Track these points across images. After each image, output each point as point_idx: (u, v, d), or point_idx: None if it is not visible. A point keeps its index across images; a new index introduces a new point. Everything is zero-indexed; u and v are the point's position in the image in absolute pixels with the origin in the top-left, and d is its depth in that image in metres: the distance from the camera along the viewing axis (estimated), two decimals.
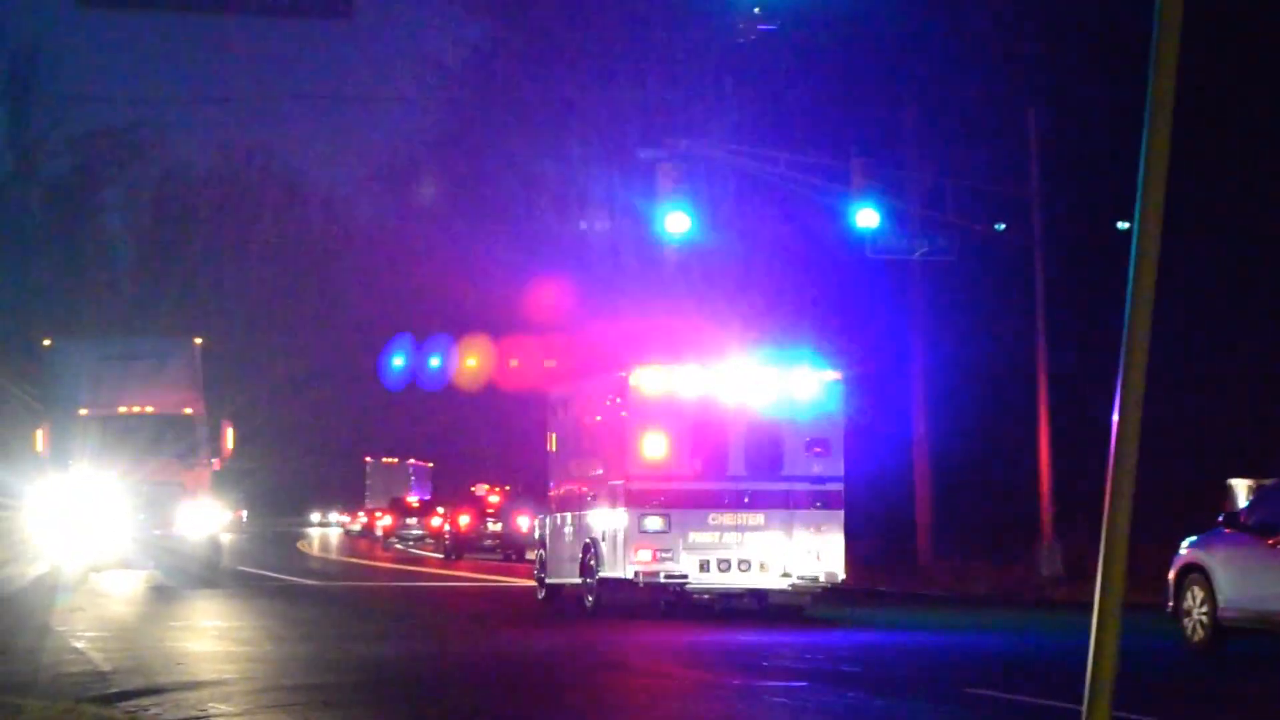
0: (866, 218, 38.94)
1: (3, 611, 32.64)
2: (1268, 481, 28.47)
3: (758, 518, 29.71)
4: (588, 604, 31.24)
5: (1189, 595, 24.49)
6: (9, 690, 18.63)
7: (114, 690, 18.86)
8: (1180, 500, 35.99)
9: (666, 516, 29.57)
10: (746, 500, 29.78)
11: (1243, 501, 31.50)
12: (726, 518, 29.73)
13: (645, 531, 29.51)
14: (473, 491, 68.41)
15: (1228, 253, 45.19)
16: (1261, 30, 44.21)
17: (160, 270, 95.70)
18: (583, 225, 70.97)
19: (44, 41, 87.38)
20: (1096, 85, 45.44)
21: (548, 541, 34.45)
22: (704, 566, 29.49)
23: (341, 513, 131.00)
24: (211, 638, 25.94)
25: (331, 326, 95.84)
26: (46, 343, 46.22)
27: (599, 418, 32.12)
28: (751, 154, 43.64)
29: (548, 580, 34.35)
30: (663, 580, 29.55)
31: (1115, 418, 7.35)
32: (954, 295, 48.34)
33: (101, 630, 26.99)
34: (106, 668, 21.23)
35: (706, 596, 30.70)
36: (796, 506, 29.87)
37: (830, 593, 30.86)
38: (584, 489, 32.35)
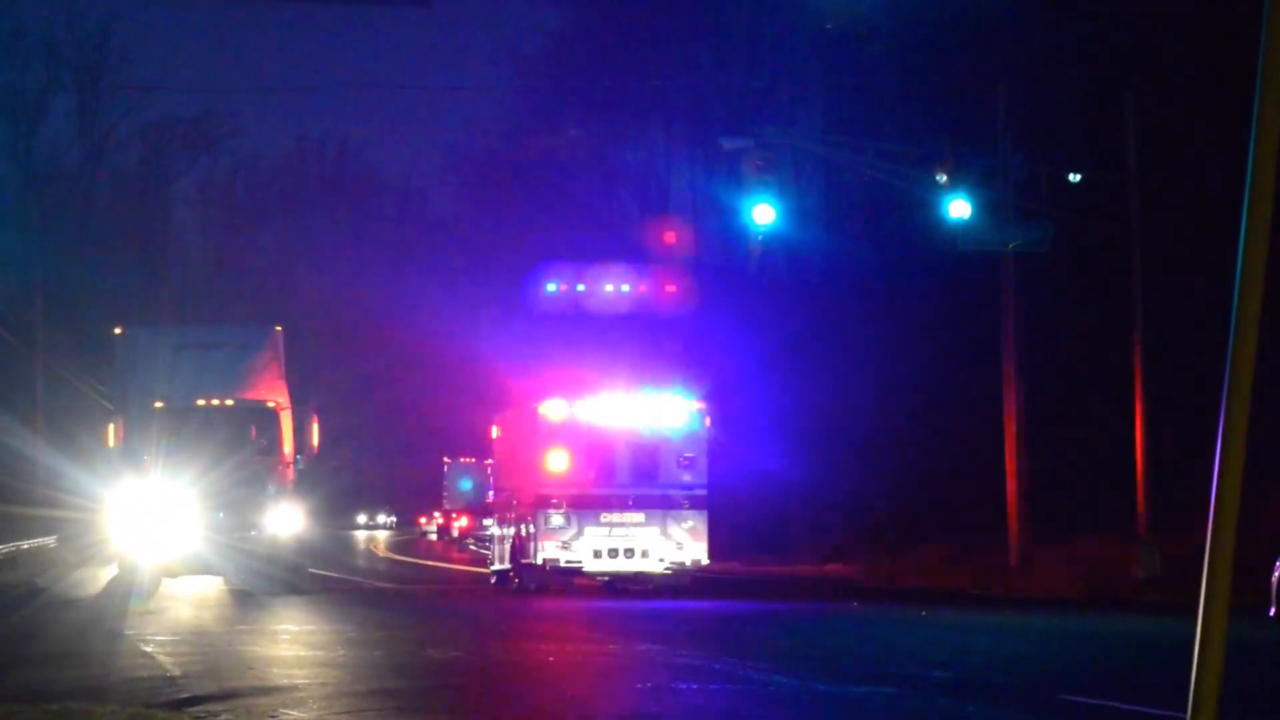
0: (958, 209, 38.19)
1: (74, 615, 32.48)
2: None
3: (639, 516, 38.11)
4: (514, 585, 40.52)
5: None
6: (79, 695, 18.33)
7: (184, 695, 18.48)
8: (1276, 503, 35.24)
9: (567, 516, 38.17)
10: (630, 503, 38.22)
11: None
12: (615, 516, 38.15)
13: (551, 528, 38.13)
14: None
15: None
16: None
17: (231, 262, 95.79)
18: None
19: (114, 31, 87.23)
20: (1195, 70, 44.59)
21: (493, 537, 44.10)
22: (597, 555, 38.09)
23: (389, 514, 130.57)
24: (283, 642, 25.48)
25: (407, 320, 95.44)
26: (118, 331, 43.21)
27: (519, 439, 41.29)
28: (839, 143, 43.00)
29: (494, 567, 43.36)
30: (564, 566, 38.33)
31: (1222, 414, 6.86)
32: (1048, 287, 47.55)
33: (171, 635, 26.68)
34: (176, 672, 20.87)
35: (606, 578, 39.37)
36: (670, 508, 38.28)
37: (922, 597, 31.13)
38: (511, 496, 41.53)
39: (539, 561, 38.38)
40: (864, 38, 50.63)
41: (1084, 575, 41.42)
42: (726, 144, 39.78)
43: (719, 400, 49.01)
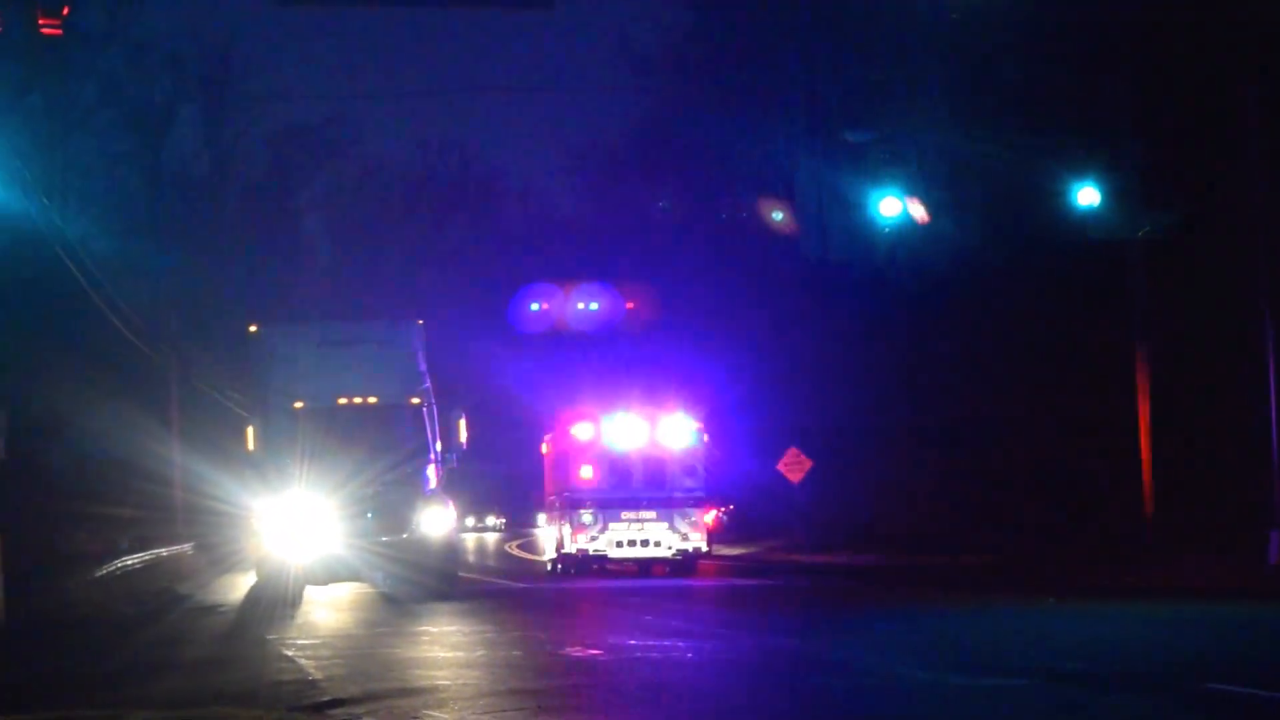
0: (1087, 196, 37.87)
1: (216, 621, 32.77)
2: None
3: (651, 514, 47.20)
4: (557, 569, 49.95)
5: None
6: (223, 700, 18.54)
7: (325, 699, 18.62)
8: None
9: (594, 515, 47.28)
10: (644, 503, 47.25)
11: None
12: (632, 514, 47.20)
13: (582, 524, 47.26)
14: None
15: None
16: None
17: (357, 268, 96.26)
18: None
19: (238, 40, 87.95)
20: None
21: (546, 532, 53.13)
22: (619, 545, 47.14)
23: (498, 516, 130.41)
24: (423, 644, 25.57)
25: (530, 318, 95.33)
26: (253, 330, 41.09)
27: (559, 454, 50.22)
28: (963, 134, 42.75)
29: (547, 557, 52.39)
30: (592, 554, 47.35)
31: None
32: (1175, 273, 47.07)
33: (312, 638, 26.84)
34: (318, 676, 21.01)
35: (627, 563, 47.96)
36: (674, 507, 47.34)
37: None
38: (555, 500, 50.49)
39: (574, 551, 47.54)
40: (985, 25, 50.28)
41: (1217, 563, 40.94)
42: (851, 137, 39.67)
43: (728, 417, 64.06)
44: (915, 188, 38.21)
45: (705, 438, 49.50)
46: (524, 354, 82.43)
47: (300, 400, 37.48)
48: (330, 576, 36.92)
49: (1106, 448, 49.80)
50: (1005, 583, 39.35)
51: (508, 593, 41.58)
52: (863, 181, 38.37)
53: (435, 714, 17.21)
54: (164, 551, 50.04)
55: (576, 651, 23.61)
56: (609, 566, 48.17)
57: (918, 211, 37.71)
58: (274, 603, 34.11)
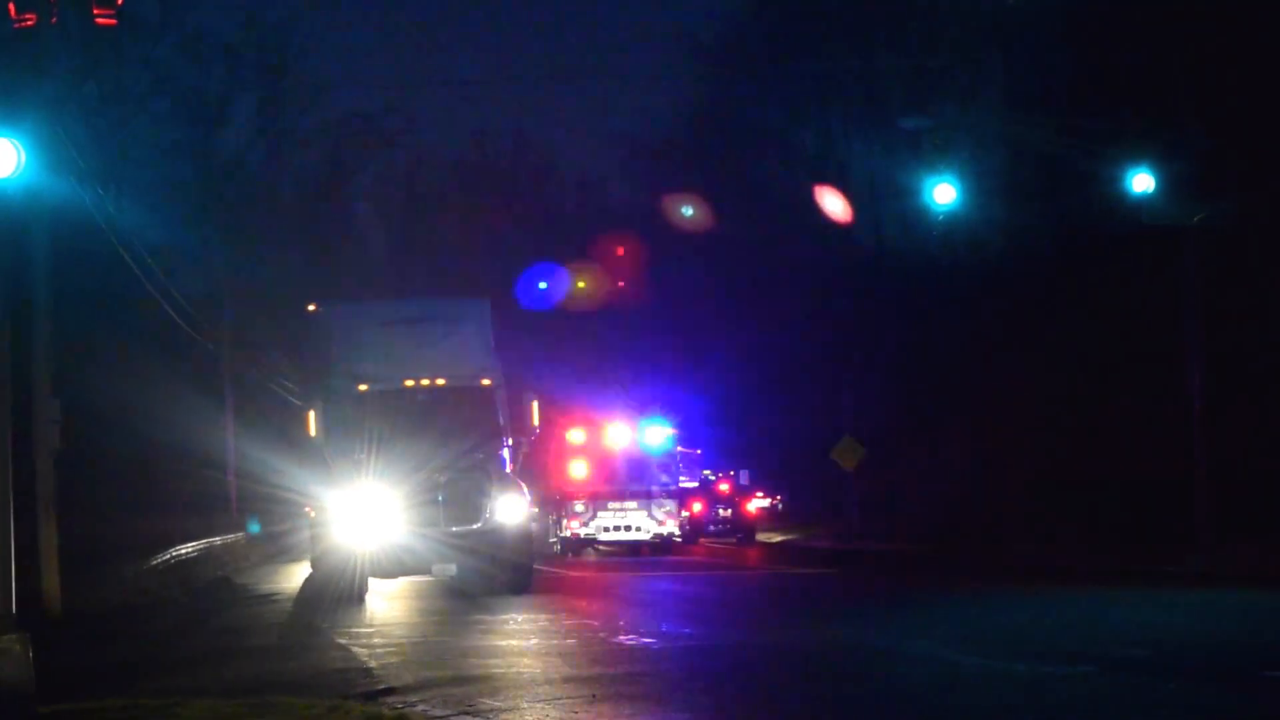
0: (1142, 183, 37.64)
1: (271, 610, 32.88)
2: None
3: (633, 504, 54.89)
4: (556, 550, 55.36)
5: None
6: (279, 688, 18.59)
7: (380, 687, 18.68)
8: None
9: (585, 504, 54.77)
10: (627, 495, 54.96)
11: None
12: (616, 504, 54.78)
13: (575, 513, 54.70)
14: (705, 477, 71.06)
15: None
16: None
17: (412, 256, 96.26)
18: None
19: (292, 30, 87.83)
20: None
21: (546, 519, 55.99)
22: (606, 530, 54.69)
23: None
24: (478, 632, 25.56)
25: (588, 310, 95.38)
26: (312, 309, 39.16)
27: (556, 454, 55.65)
28: (1018, 121, 42.52)
29: (550, 539, 55.97)
30: (583, 537, 54.82)
31: None
32: (1231, 262, 46.77)
33: (367, 627, 26.91)
34: (373, 664, 21.07)
35: (612, 546, 55.75)
36: (652, 498, 55.18)
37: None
38: (554, 493, 55.92)
39: (568, 535, 54.85)
40: (1041, 11, 50.04)
41: (1272, 551, 40.65)
42: (906, 124, 39.46)
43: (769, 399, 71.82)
44: (968, 175, 38.01)
45: (677, 444, 59.48)
46: (531, 332, 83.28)
47: (365, 382, 35.10)
48: (398, 569, 34.13)
49: (1159, 435, 49.52)
50: (1056, 571, 39.18)
51: (541, 577, 41.71)
52: (917, 168, 38.20)
53: (489, 702, 17.22)
54: (218, 540, 50.22)
55: (630, 639, 23.60)
56: (599, 547, 56.44)
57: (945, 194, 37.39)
58: (338, 596, 32.36)
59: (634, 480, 55.54)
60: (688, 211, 79.06)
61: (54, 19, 17.85)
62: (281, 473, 43.20)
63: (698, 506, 68.25)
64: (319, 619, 28.06)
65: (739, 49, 74.43)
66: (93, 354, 48.47)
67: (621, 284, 78.89)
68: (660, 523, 55.06)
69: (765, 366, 75.90)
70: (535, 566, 36.53)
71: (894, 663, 20.35)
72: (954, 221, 39.64)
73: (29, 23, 17.75)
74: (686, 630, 25.39)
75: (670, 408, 62.79)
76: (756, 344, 76.04)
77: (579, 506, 54.85)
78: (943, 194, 36.74)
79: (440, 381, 35.33)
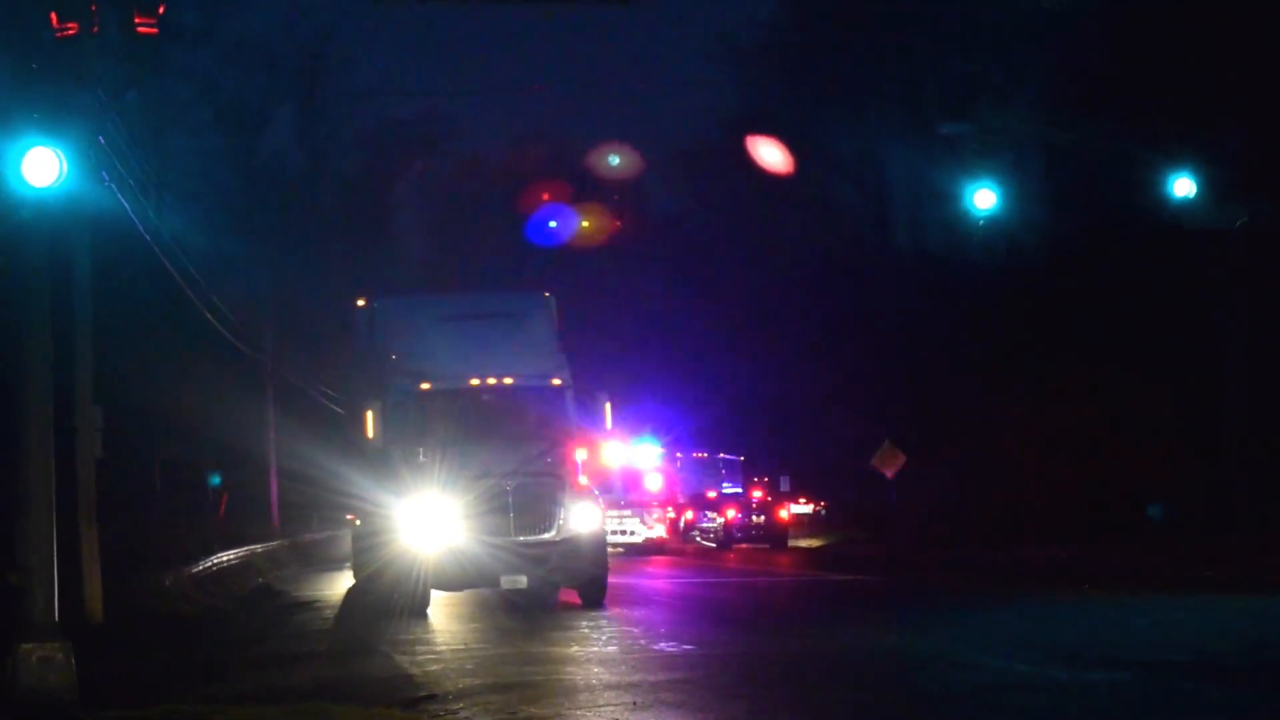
0: (1183, 187, 37.47)
1: (313, 617, 32.93)
2: None
3: (629, 512, 62.26)
4: None
5: None
6: (320, 695, 18.63)
7: (421, 694, 18.70)
8: None
9: None
10: (623, 505, 61.77)
11: None
12: (615, 512, 57.97)
13: None
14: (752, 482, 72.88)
15: None
16: None
17: (449, 264, 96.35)
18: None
19: (332, 37, 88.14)
20: None
21: None
22: (611, 534, 54.16)
23: None
24: (518, 638, 25.57)
25: (630, 318, 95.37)
26: (361, 304, 36.45)
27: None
28: (1058, 125, 42.37)
29: None
30: None
31: None
32: (1272, 266, 46.58)
33: (408, 635, 26.88)
34: (414, 671, 21.08)
35: (614, 547, 56.18)
36: (644, 507, 63.29)
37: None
38: None
39: None
40: (1080, 14, 49.87)
41: None
42: (945, 129, 39.35)
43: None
44: (1008, 180, 37.87)
45: (664, 461, 68.99)
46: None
47: (427, 381, 32.61)
48: (463, 581, 31.42)
49: (1198, 441, 49.41)
50: (1095, 575, 39.03)
51: None
52: (957, 173, 38.09)
53: (530, 709, 17.22)
54: (259, 547, 50.35)
55: (670, 647, 23.57)
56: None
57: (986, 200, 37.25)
58: (399, 609, 30.33)
59: (629, 492, 63.48)
60: (614, 160, 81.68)
61: (95, 28, 17.92)
62: (324, 479, 42.88)
63: (731, 513, 69.86)
64: (379, 632, 27.59)
65: (777, 54, 74.40)
66: (136, 361, 48.69)
67: (619, 222, 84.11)
68: (650, 527, 63.38)
69: (809, 370, 75.90)
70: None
71: (934, 669, 20.31)
72: (994, 226, 39.49)
73: (70, 32, 17.82)
74: (727, 637, 25.35)
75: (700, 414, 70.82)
76: (800, 347, 76.07)
77: None
78: (983, 199, 36.63)
79: (507, 380, 33.00)
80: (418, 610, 30.42)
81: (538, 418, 32.86)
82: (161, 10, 18.02)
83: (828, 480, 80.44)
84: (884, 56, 66.56)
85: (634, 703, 17.49)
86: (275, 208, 78.58)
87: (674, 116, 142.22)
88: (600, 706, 17.27)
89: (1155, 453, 52.13)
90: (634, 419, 67.68)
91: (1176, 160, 37.18)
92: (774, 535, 69.22)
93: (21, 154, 17.69)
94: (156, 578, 36.39)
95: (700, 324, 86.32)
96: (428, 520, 30.99)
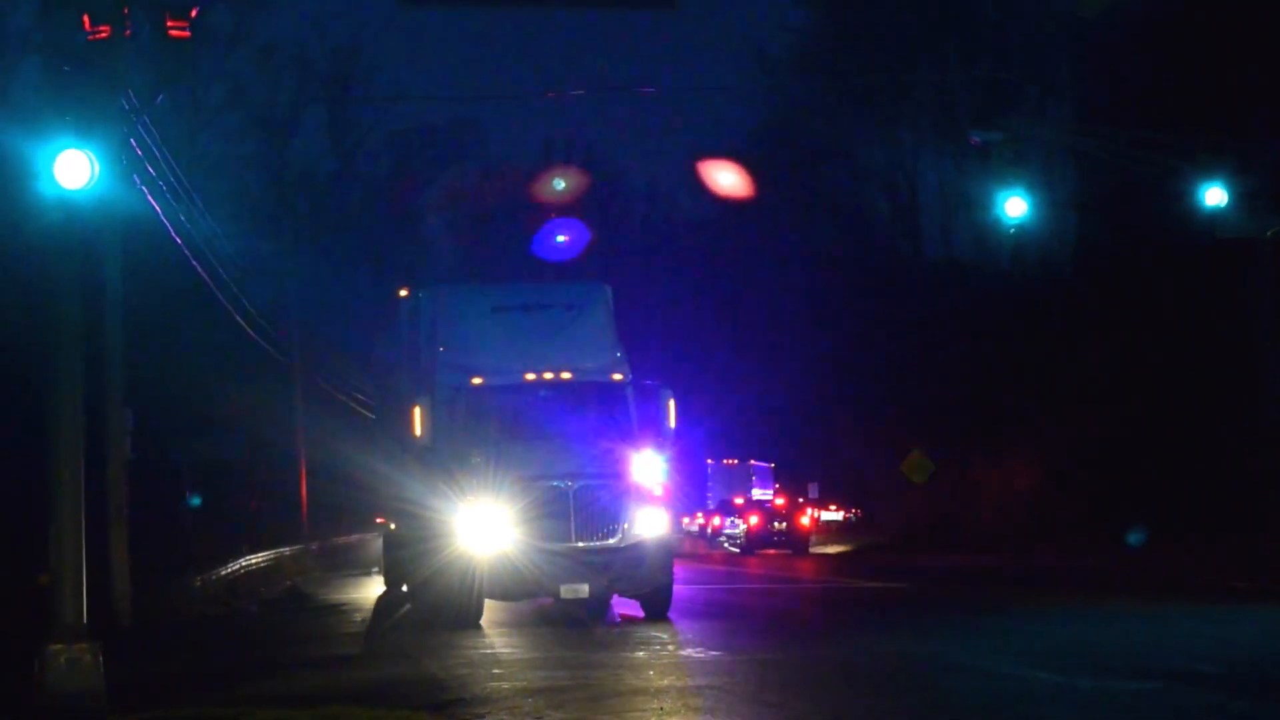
0: (1214, 196, 37.40)
1: (341, 620, 32.97)
2: None
3: None
4: None
5: None
6: (345, 698, 18.65)
7: (448, 698, 18.70)
8: None
9: None
10: None
11: None
12: None
13: None
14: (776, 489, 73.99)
15: None
16: None
17: (479, 267, 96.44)
18: None
19: (363, 42, 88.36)
20: None
21: None
22: None
23: None
24: (546, 643, 25.53)
25: (660, 321, 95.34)
26: (403, 294, 34.65)
27: None
28: (1090, 134, 42.32)
29: None
30: None
31: None
32: None
33: (434, 638, 26.86)
34: (441, 675, 21.09)
35: None
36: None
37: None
38: None
39: None
40: (1112, 24, 49.86)
41: None
42: (977, 137, 39.28)
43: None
44: (1039, 188, 37.83)
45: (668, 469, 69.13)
46: None
47: (479, 375, 30.45)
48: (520, 590, 29.33)
49: (1228, 450, 49.24)
50: (1124, 584, 38.94)
51: None
52: (988, 182, 38.07)
53: (556, 714, 17.22)
54: (286, 550, 50.44)
55: (698, 652, 23.56)
56: None
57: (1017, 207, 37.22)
58: (452, 620, 28.62)
59: None
60: (559, 185, 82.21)
61: (128, 32, 17.97)
62: (359, 481, 42.63)
63: (754, 520, 70.21)
64: (416, 638, 27.39)
65: (808, 62, 74.46)
66: (165, 364, 48.78)
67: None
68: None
69: (841, 375, 76.00)
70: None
71: (959, 677, 20.25)
72: (1024, 234, 39.46)
73: (103, 35, 17.87)
74: (754, 643, 25.27)
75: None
76: (833, 353, 76.18)
77: None
78: (1014, 207, 36.62)
79: (565, 376, 30.78)
80: (471, 621, 28.65)
81: (598, 416, 30.72)
82: (194, 13, 18.06)
83: (860, 488, 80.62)
84: (916, 65, 66.56)
85: (661, 708, 17.47)
86: (304, 209, 78.75)
87: (703, 123, 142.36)
88: (627, 712, 17.25)
89: (1188, 462, 52.02)
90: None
91: (1208, 169, 37.11)
92: (795, 541, 70.18)
93: (54, 156, 17.75)
94: (185, 580, 36.50)
95: (729, 331, 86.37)
96: (482, 525, 28.84)
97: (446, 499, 29.43)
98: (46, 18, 18.95)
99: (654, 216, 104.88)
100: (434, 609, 29.95)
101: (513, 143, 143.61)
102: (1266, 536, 43.01)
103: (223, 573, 40.16)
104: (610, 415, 30.68)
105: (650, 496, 29.84)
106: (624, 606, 30.97)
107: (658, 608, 29.74)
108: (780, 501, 74.06)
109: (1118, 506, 54.08)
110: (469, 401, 30.07)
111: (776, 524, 70.88)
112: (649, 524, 29.47)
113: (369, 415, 46.32)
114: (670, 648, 24.47)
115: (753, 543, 70.90)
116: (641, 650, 23.89)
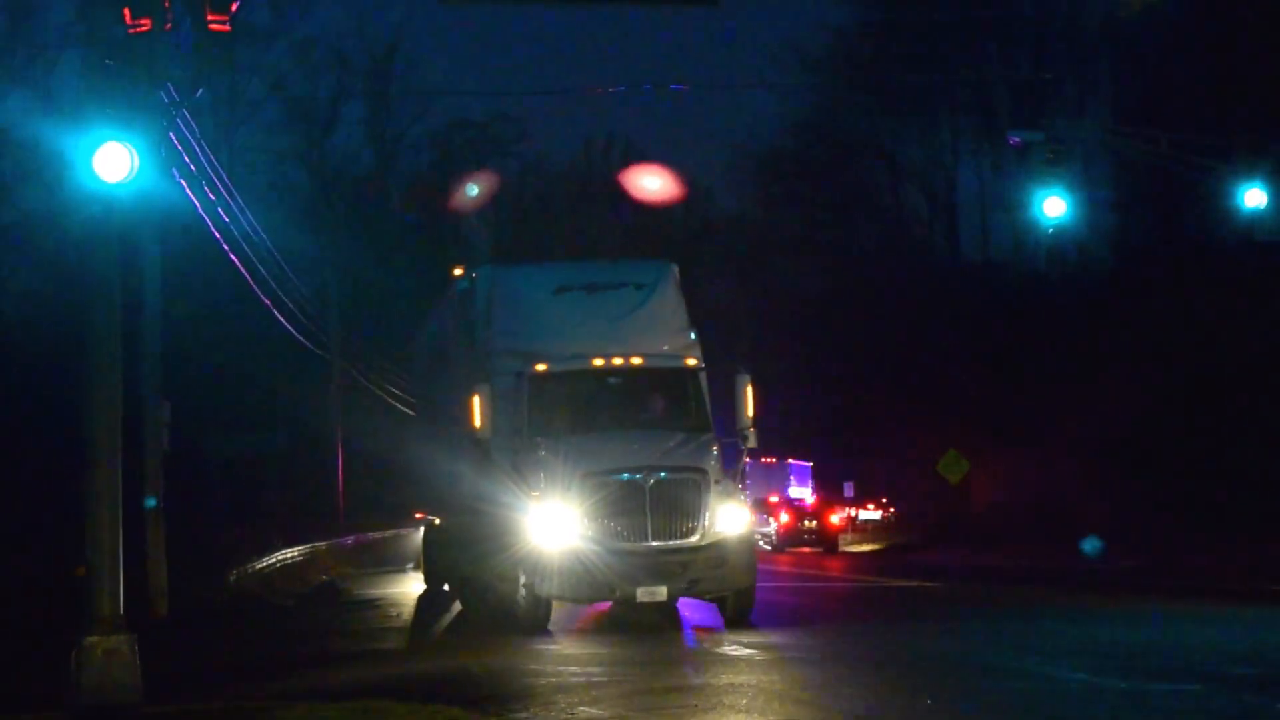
0: (1254, 198, 37.21)
1: (376, 615, 33.00)
2: None
3: None
4: None
5: None
6: (379, 693, 18.66)
7: (484, 693, 18.69)
8: None
9: None
10: None
11: None
12: None
13: None
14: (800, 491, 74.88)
15: None
16: None
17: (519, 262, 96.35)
18: None
19: (403, 37, 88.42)
20: None
21: None
22: None
23: None
24: (581, 638, 25.56)
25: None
26: (458, 273, 32.36)
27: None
28: (1129, 134, 42.18)
29: None
30: None
31: None
32: None
33: (469, 633, 26.88)
34: (477, 670, 21.11)
35: None
36: None
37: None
38: None
39: None
40: (1151, 25, 49.73)
41: None
42: (1016, 137, 39.17)
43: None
44: (1078, 188, 37.71)
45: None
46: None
47: (543, 361, 28.38)
48: (591, 592, 26.97)
49: (1268, 451, 49.12)
50: (1160, 585, 38.79)
51: None
52: (1026, 182, 37.96)
53: (590, 710, 17.22)
54: (322, 544, 50.52)
55: (734, 649, 23.51)
56: None
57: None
58: (517, 623, 27.02)
59: None
60: (472, 191, 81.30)
61: (168, 25, 18.01)
62: (401, 473, 42.54)
63: (785, 518, 71.53)
64: (416, 625, 27.62)
65: (848, 60, 74.43)
66: (203, 357, 48.90)
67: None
68: None
69: (880, 374, 75.93)
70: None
71: (993, 677, 20.19)
72: (1062, 234, 39.33)
73: (144, 28, 17.92)
74: (789, 640, 25.20)
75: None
76: (871, 351, 76.14)
77: None
78: (1053, 207, 36.50)
79: (636, 361, 28.58)
80: (538, 625, 26.93)
81: (672, 404, 28.71)
82: (235, 7, 18.09)
83: (896, 487, 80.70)
84: (954, 65, 66.45)
85: (696, 705, 17.46)
86: (344, 206, 78.85)
87: (744, 119, 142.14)
88: (662, 708, 17.24)
89: (1226, 463, 51.88)
90: None
91: (1247, 171, 36.93)
92: (825, 540, 70.81)
93: (93, 149, 17.79)
94: (222, 572, 36.60)
95: (762, 328, 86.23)
96: (550, 522, 26.66)
97: (510, 494, 27.42)
98: (88, 10, 19.02)
99: (693, 212, 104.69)
100: (493, 610, 28.68)
101: (555, 137, 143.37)
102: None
103: (259, 565, 40.26)
104: (686, 402, 28.65)
105: (731, 490, 27.72)
106: (689, 609, 29.63)
107: (741, 611, 27.67)
108: (811, 500, 74.90)
109: (1151, 507, 53.95)
110: (532, 389, 28.14)
111: (807, 522, 71.64)
112: (730, 520, 27.21)
113: (408, 411, 46.26)
114: (706, 645, 24.48)
115: (784, 540, 71.50)
116: (678, 647, 23.90)
